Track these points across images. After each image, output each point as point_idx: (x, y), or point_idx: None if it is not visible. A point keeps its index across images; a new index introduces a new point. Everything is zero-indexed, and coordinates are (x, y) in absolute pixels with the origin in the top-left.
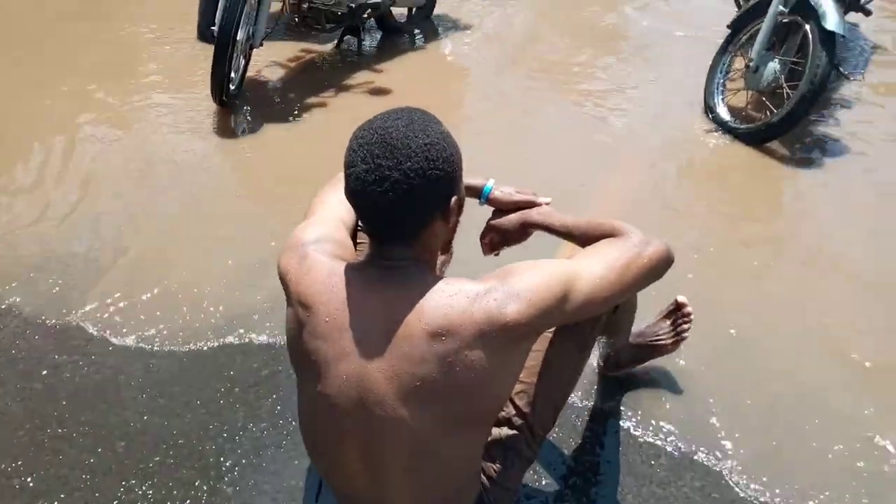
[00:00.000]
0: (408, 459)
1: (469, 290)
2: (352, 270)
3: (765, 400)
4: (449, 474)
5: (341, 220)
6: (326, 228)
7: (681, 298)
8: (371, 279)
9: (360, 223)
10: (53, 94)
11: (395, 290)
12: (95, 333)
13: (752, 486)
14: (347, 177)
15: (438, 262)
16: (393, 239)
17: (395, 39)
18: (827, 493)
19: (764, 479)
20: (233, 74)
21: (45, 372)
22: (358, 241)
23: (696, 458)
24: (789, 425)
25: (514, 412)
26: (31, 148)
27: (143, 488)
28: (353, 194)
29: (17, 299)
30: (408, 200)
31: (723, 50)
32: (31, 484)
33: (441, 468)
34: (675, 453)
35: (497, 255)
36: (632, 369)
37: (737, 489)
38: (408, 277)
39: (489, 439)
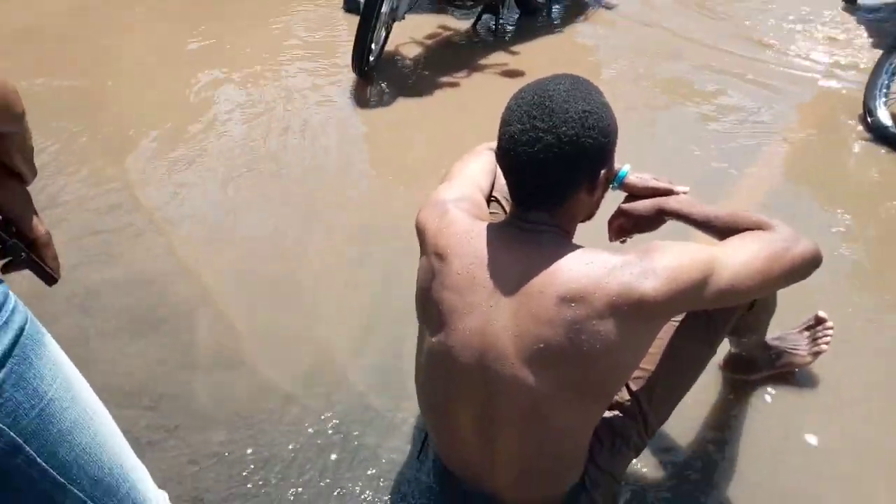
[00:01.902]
0: (520, 421)
1: (607, 261)
2: (491, 229)
3: None
4: (558, 443)
5: (478, 185)
6: (466, 189)
7: (821, 314)
8: (508, 239)
9: (499, 182)
10: (199, 54)
11: (530, 252)
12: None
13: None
14: (502, 135)
15: None
16: (536, 203)
17: (534, 20)
18: None
19: None
20: (373, 46)
21: None
22: (491, 210)
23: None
24: None
25: (629, 398)
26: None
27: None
28: (503, 152)
29: None
30: (557, 165)
31: (890, 50)
32: None
33: (551, 435)
34: (783, 471)
35: (624, 242)
36: (762, 375)
37: None
38: (545, 242)
39: (600, 421)
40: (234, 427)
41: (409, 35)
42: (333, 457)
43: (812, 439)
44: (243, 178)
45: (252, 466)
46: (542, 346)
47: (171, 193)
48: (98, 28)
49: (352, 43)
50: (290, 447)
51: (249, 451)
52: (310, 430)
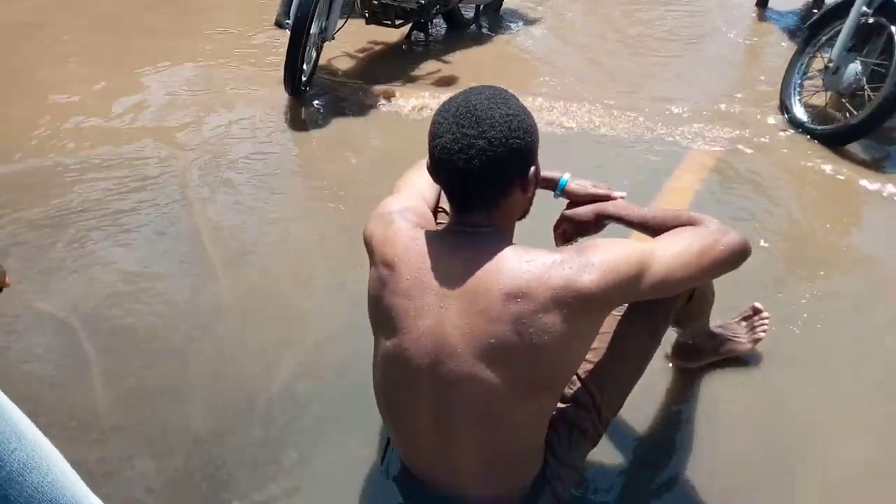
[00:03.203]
0: (477, 418)
1: (546, 258)
2: (434, 235)
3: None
4: (515, 438)
5: (423, 196)
6: (411, 201)
7: (758, 304)
8: (452, 243)
9: (442, 196)
10: (119, 73)
11: (474, 253)
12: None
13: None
14: (433, 148)
15: None
16: (474, 206)
17: (462, 33)
18: None
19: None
20: (305, 66)
21: None
22: (437, 221)
23: (757, 453)
24: None
25: (582, 390)
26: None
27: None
28: (438, 163)
29: None
30: (491, 168)
31: (801, 50)
32: None
33: (508, 432)
34: (739, 447)
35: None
36: (707, 362)
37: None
38: (487, 242)
39: (556, 414)
40: (190, 452)
41: (341, 49)
42: (295, 472)
43: (761, 420)
44: (177, 204)
45: (212, 489)
46: (492, 342)
47: (99, 217)
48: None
49: (283, 62)
50: (249, 466)
51: (207, 473)
52: (268, 447)
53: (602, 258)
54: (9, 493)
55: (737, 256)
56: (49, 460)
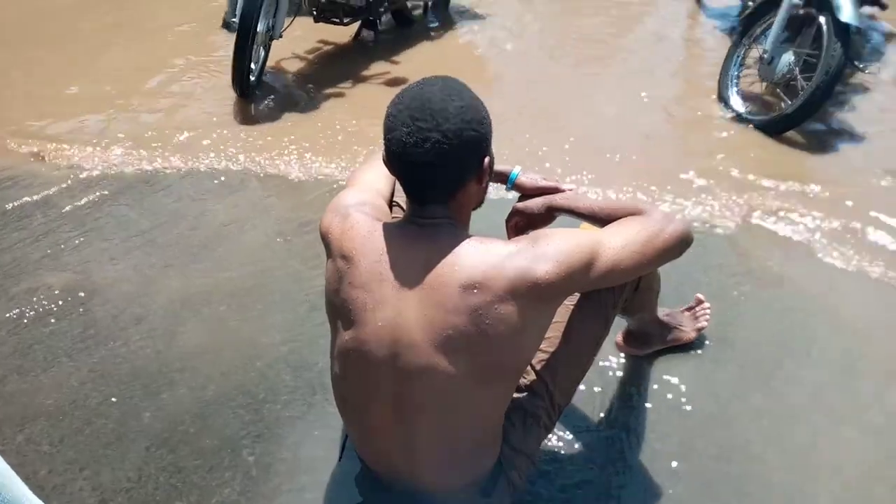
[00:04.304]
0: (436, 409)
1: (501, 249)
2: (391, 228)
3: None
4: (472, 427)
5: (378, 190)
6: (366, 195)
7: (700, 296)
8: (409, 235)
9: (396, 189)
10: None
11: (431, 245)
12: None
13: (767, 458)
14: (388, 141)
15: None
16: (431, 198)
17: (411, 31)
18: None
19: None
20: (253, 66)
21: None
22: (392, 214)
23: (709, 433)
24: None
25: (535, 379)
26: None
27: (165, 454)
28: (393, 157)
29: None
30: (446, 160)
31: (737, 42)
32: None
33: (467, 421)
34: (687, 427)
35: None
36: (655, 349)
37: (753, 462)
38: (443, 234)
39: (511, 403)
40: (144, 458)
41: (290, 50)
42: (253, 473)
43: (709, 405)
44: (126, 197)
45: (166, 495)
46: (450, 332)
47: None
48: None
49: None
50: (204, 470)
51: (161, 479)
52: (224, 449)
53: (555, 248)
54: None
55: (680, 244)
56: None
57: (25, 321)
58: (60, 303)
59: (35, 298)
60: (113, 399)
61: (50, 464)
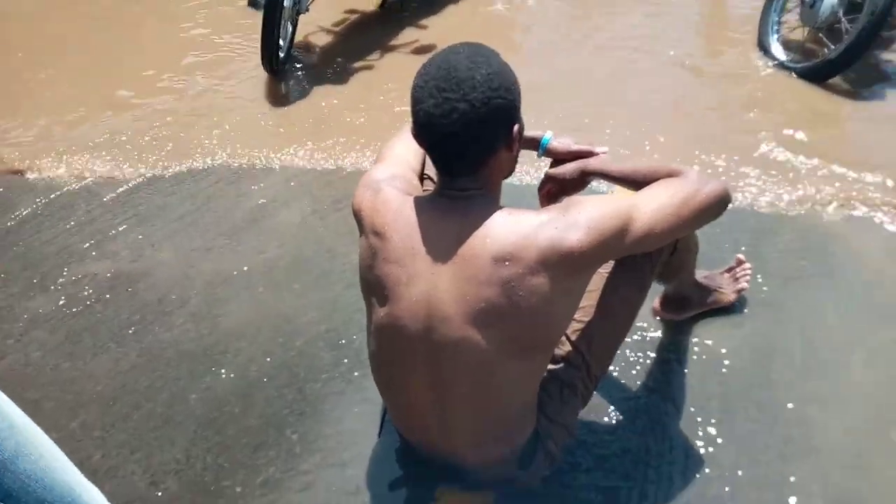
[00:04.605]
0: (471, 382)
1: (532, 219)
2: (422, 202)
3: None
4: (508, 401)
5: (408, 163)
6: (396, 169)
7: (740, 256)
8: (440, 208)
9: (426, 162)
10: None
11: (462, 218)
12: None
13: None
14: (415, 114)
15: None
16: (461, 170)
17: None
18: None
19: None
20: (281, 42)
21: None
22: (424, 188)
23: (750, 396)
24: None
25: (571, 350)
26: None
27: (211, 435)
28: (421, 129)
29: None
30: (475, 129)
31: None
32: None
33: (501, 393)
34: (728, 391)
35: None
36: (693, 313)
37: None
38: (474, 206)
39: (547, 374)
40: (192, 440)
41: (317, 24)
42: (296, 450)
43: (750, 368)
44: (164, 182)
45: (214, 475)
46: (483, 305)
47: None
48: None
49: (259, 41)
50: (250, 449)
51: (209, 459)
52: (268, 427)
53: (587, 216)
54: (2, 479)
55: (718, 205)
56: (40, 447)
57: (74, 310)
58: (106, 290)
59: (82, 287)
60: (160, 383)
61: (102, 448)
